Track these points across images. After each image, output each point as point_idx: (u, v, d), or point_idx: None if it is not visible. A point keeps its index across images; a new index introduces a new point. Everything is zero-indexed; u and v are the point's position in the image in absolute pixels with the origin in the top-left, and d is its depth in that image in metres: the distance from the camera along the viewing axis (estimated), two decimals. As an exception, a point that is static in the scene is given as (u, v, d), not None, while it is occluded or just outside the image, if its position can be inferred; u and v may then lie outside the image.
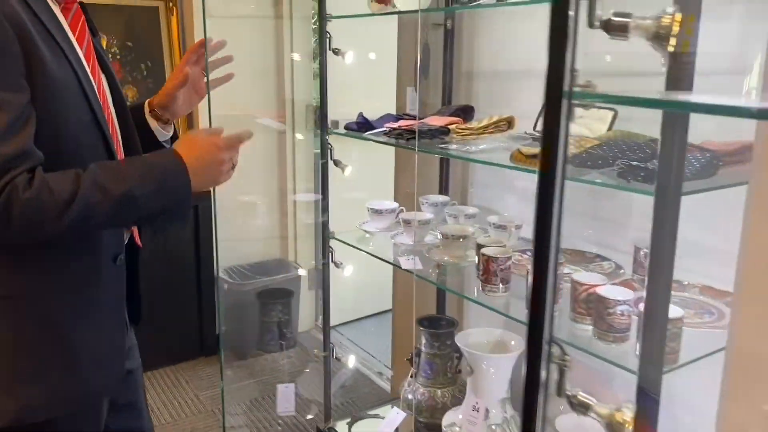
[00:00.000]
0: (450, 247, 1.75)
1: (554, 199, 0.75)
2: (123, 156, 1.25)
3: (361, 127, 1.92)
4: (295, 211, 3.59)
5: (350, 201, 2.29)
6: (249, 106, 3.37)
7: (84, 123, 1.14)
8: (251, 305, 3.34)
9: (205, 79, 1.48)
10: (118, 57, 3.13)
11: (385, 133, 1.80)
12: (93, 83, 1.17)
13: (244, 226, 3.48)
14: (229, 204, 3.31)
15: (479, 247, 1.61)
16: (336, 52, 1.88)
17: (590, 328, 1.34)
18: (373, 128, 1.90)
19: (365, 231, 2.04)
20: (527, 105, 2.03)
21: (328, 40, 1.89)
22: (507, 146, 1.66)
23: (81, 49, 1.17)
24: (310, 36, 3.42)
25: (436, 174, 2.27)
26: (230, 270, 3.43)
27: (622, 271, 1.64)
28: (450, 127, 1.80)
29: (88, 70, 1.16)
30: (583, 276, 1.37)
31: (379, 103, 2.84)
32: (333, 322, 3.67)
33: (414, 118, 1.99)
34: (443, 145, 1.73)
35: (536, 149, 1.36)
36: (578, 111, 1.80)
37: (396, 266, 1.80)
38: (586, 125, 1.70)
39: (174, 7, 3.24)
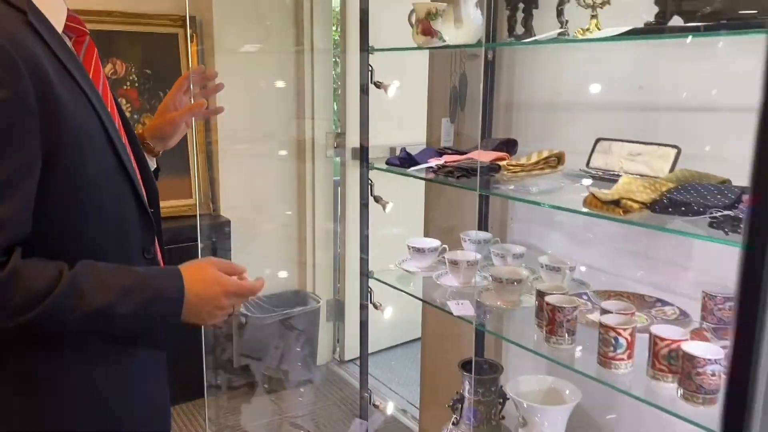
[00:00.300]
0: (503, 292, 1.65)
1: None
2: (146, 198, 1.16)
3: (404, 162, 1.83)
4: (314, 240, 3.50)
5: (379, 237, 2.19)
6: (269, 132, 3.30)
7: (109, 170, 1.05)
8: (271, 338, 3.24)
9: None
10: (137, 84, 3.06)
11: (434, 171, 1.71)
12: (115, 124, 1.08)
13: (260, 256, 3.39)
14: (246, 232, 3.22)
15: (540, 294, 1.51)
16: (378, 85, 1.80)
17: (673, 386, 1.24)
18: (417, 164, 1.81)
19: (406, 270, 1.94)
20: (573, 138, 1.95)
21: (370, 73, 1.81)
22: (567, 186, 1.58)
23: (97, 86, 1.07)
24: (331, 65, 3.36)
25: (474, 207, 2.18)
26: (247, 303, 3.33)
27: (688, 318, 1.55)
28: (500, 163, 1.71)
29: (109, 110, 1.07)
30: (662, 329, 1.27)
31: (407, 132, 2.76)
32: (350, 355, 3.60)
33: (457, 152, 1.91)
34: (497, 184, 1.64)
35: (613, 194, 1.28)
36: (637, 148, 1.72)
37: (447, 312, 1.69)
38: (647, 163, 1.62)
39: (194, 35, 3.16)
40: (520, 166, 1.72)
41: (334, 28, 3.35)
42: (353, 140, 3.32)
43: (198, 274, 1.07)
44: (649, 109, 1.76)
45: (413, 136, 2.61)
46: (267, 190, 3.37)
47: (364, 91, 1.83)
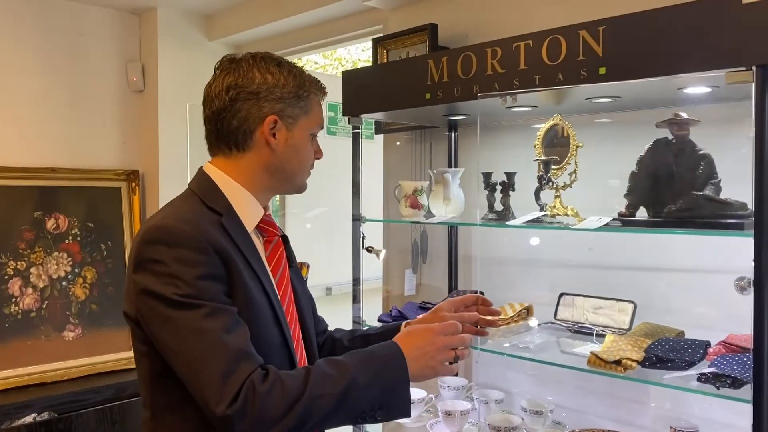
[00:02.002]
0: (500, 438, 1.83)
1: None
2: None
3: (396, 319, 2.00)
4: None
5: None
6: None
7: (275, 344, 1.24)
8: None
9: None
10: (78, 238, 3.04)
11: (432, 331, 1.90)
12: (282, 307, 1.28)
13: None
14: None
15: (543, 439, 1.71)
16: (369, 250, 2.00)
17: None
18: (406, 319, 1.99)
19: (396, 422, 2.06)
20: (529, 289, 2.23)
21: (362, 239, 2.01)
22: (554, 341, 1.83)
23: (275, 276, 1.31)
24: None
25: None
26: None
27: (660, 451, 1.80)
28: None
29: (279, 296, 1.28)
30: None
31: (338, 269, 2.83)
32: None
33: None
34: (489, 339, 1.86)
35: (614, 354, 1.53)
36: (598, 302, 2.01)
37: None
38: (609, 316, 1.91)
39: (137, 187, 3.24)
40: (503, 320, 1.96)
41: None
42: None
43: (409, 333, 1.25)
44: (597, 267, 2.09)
45: (344, 274, 2.74)
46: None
47: (356, 255, 2.02)
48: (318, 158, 1.37)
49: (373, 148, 2.94)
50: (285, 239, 1.39)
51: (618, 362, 1.50)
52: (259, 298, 1.21)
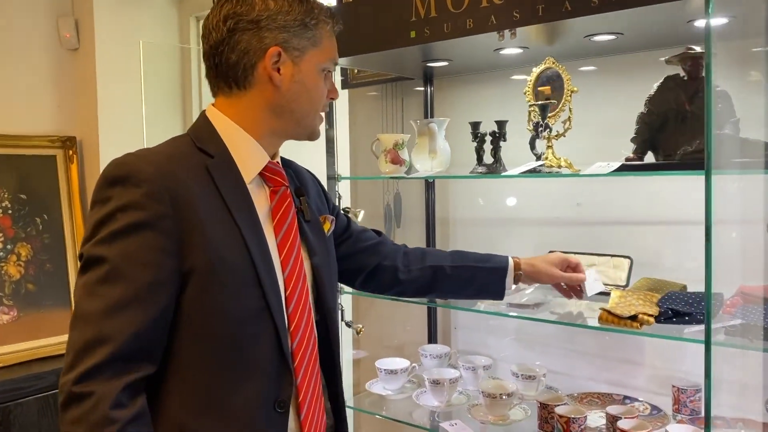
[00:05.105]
0: (495, 407, 1.70)
1: None
2: (296, 347, 1.12)
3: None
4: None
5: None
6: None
7: (253, 309, 1.06)
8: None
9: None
10: (10, 212, 2.74)
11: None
12: (275, 269, 1.10)
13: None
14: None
15: (544, 406, 1.59)
16: (347, 211, 1.83)
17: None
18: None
19: (378, 394, 1.92)
20: (514, 250, 2.11)
21: (338, 199, 1.83)
22: (550, 298, 1.70)
23: (278, 230, 1.14)
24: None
25: (423, 319, 2.24)
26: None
27: (661, 413, 1.71)
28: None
29: (275, 255, 1.11)
30: (677, 429, 1.41)
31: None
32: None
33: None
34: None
35: (630, 310, 1.41)
36: (590, 259, 1.90)
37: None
38: (603, 273, 1.80)
39: (74, 155, 2.94)
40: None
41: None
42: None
43: None
44: (586, 224, 1.98)
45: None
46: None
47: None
48: (332, 99, 1.22)
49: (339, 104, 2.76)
50: (300, 192, 1.22)
51: (634, 317, 1.39)
52: (233, 255, 1.05)
